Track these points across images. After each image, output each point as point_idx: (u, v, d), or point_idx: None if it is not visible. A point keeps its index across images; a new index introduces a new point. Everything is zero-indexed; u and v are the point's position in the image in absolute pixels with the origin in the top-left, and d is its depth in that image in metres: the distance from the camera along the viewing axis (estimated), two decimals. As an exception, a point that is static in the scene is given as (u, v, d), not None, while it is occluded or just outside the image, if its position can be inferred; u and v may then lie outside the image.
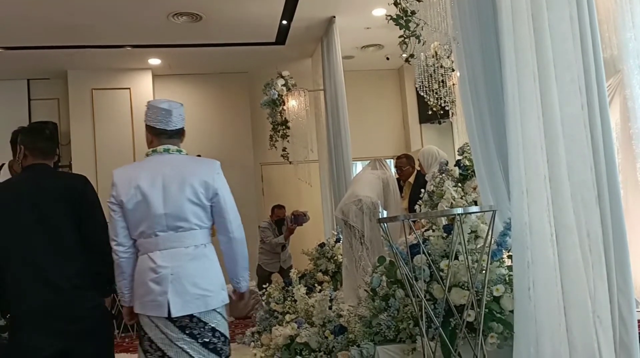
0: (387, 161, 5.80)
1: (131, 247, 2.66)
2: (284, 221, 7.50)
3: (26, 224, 2.74)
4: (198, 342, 2.56)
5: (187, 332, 2.55)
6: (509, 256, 2.89)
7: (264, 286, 5.31)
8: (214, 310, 2.60)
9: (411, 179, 5.64)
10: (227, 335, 2.67)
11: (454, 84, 5.56)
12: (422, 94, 5.41)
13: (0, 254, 2.76)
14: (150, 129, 2.72)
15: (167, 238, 2.58)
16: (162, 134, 2.70)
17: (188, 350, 2.54)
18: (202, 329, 2.57)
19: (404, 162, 5.79)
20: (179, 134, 2.75)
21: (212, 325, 2.59)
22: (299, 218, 7.28)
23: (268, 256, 7.43)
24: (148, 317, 2.59)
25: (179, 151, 2.72)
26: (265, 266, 7.41)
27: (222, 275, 2.69)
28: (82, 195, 2.80)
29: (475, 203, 3.47)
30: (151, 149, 2.72)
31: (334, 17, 6.75)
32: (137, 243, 2.65)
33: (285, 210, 7.58)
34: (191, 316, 2.55)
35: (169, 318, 2.53)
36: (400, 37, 4.50)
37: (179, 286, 2.53)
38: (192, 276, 2.56)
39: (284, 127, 7.08)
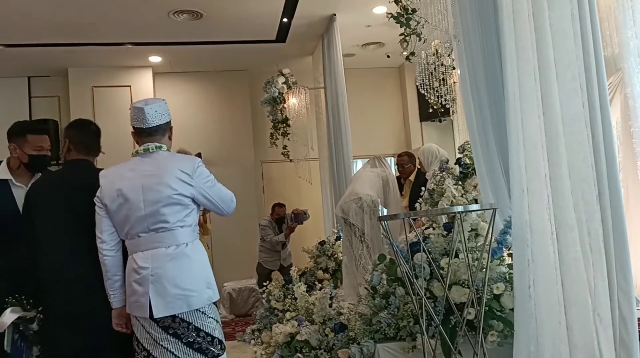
0: (388, 159, 5.80)
1: (116, 246, 2.65)
2: (284, 220, 7.50)
3: (57, 219, 2.78)
4: (182, 342, 2.54)
5: (170, 332, 2.54)
6: (510, 255, 2.89)
7: (265, 284, 5.31)
8: (198, 309, 2.57)
9: (411, 178, 5.65)
10: (215, 335, 2.61)
11: (454, 82, 5.55)
12: (422, 92, 5.40)
13: (33, 249, 2.81)
14: (133, 129, 2.72)
15: (148, 239, 2.57)
16: (141, 133, 2.69)
17: (172, 350, 2.53)
18: (185, 329, 2.55)
19: (406, 160, 5.79)
20: (159, 131, 2.70)
21: (197, 325, 2.57)
22: (299, 217, 7.29)
23: (268, 254, 7.44)
24: (135, 317, 2.61)
25: (159, 148, 2.67)
26: (265, 264, 7.42)
27: (207, 273, 2.65)
28: None
29: (476, 201, 3.47)
30: (135, 149, 2.71)
31: (335, 14, 6.74)
32: (125, 244, 2.66)
33: (286, 208, 7.59)
34: (174, 316, 2.54)
35: (153, 318, 2.53)
36: (400, 35, 4.50)
37: (159, 287, 2.52)
38: (172, 277, 2.53)
39: (284, 125, 7.07)
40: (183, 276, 2.55)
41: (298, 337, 3.66)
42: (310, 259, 6.20)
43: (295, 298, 4.48)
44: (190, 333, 2.55)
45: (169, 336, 2.54)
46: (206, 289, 2.61)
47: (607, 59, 3.19)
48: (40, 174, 3.16)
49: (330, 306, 3.84)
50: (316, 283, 5.26)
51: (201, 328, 2.58)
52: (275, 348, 3.92)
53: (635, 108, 3.83)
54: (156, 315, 2.51)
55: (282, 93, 7.00)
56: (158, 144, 2.68)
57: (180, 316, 2.54)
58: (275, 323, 4.43)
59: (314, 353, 3.51)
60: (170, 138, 2.79)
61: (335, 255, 5.95)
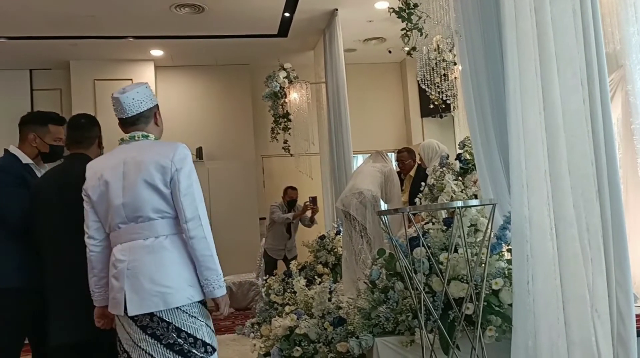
0: (389, 154, 5.80)
1: (103, 241, 2.49)
2: (295, 203, 7.46)
3: (53, 214, 2.80)
4: (162, 344, 2.32)
5: (149, 332, 2.33)
6: (509, 250, 2.89)
7: (265, 278, 5.33)
8: (179, 308, 2.34)
9: (412, 173, 5.65)
10: (199, 336, 2.37)
11: (456, 78, 5.55)
12: (423, 87, 5.39)
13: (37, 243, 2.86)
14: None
15: (127, 231, 2.40)
16: (124, 123, 2.54)
17: (151, 352, 2.33)
18: (164, 330, 2.32)
19: (405, 156, 5.80)
20: (141, 118, 2.53)
21: (177, 325, 2.33)
22: (314, 200, 7.25)
23: (275, 242, 7.39)
24: (116, 315, 2.44)
25: (145, 136, 2.52)
26: (270, 252, 7.38)
27: (188, 270, 2.39)
28: None
29: (476, 197, 3.48)
30: (121, 137, 2.58)
31: (337, 9, 6.74)
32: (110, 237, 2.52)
33: (297, 192, 7.51)
34: (151, 315, 2.32)
35: (130, 316, 2.34)
36: (402, 30, 4.50)
37: (135, 282, 2.32)
38: (149, 272, 2.33)
39: (285, 119, 7.09)
40: (160, 271, 2.34)
41: (297, 331, 3.67)
42: (310, 253, 6.21)
43: (295, 292, 4.49)
44: (171, 334, 2.32)
45: (147, 337, 2.33)
46: (187, 286, 2.36)
47: (608, 56, 3.18)
48: (46, 166, 3.21)
49: (330, 300, 3.84)
50: (316, 277, 5.26)
51: (182, 328, 2.34)
52: (275, 342, 3.93)
53: (636, 105, 3.82)
54: (130, 312, 2.31)
55: (284, 88, 7.01)
56: (145, 134, 2.52)
57: (158, 315, 2.32)
58: (275, 317, 4.44)
59: (313, 347, 3.52)
60: (157, 123, 2.60)
61: (335, 250, 5.96)
